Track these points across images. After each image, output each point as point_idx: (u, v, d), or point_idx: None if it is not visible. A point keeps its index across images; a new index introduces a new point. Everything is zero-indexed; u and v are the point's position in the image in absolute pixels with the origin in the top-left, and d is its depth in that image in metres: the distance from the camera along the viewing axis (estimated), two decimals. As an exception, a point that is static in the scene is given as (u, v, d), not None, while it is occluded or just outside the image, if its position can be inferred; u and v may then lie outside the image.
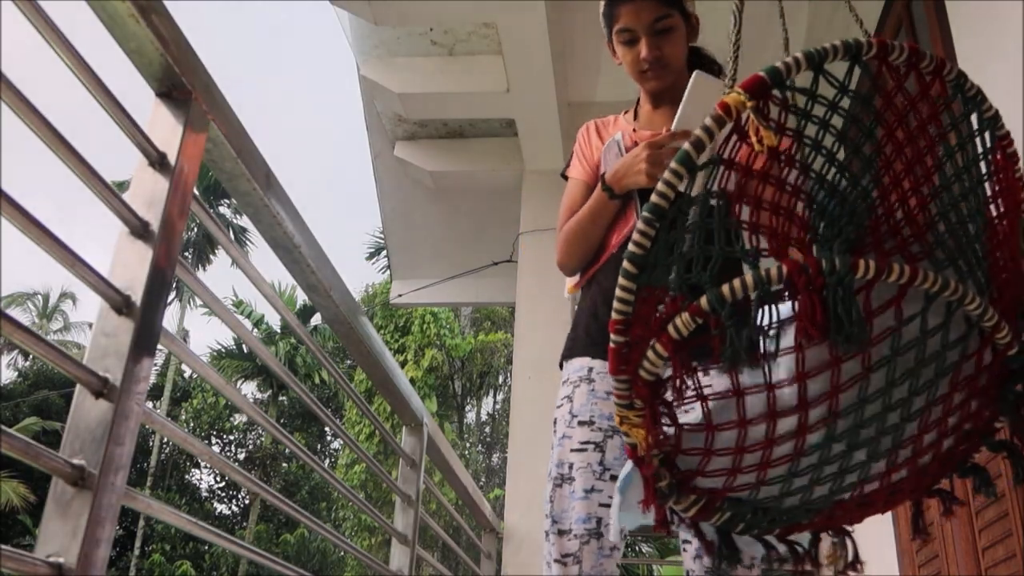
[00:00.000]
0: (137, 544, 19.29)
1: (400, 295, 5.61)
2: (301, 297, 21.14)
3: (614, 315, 0.79)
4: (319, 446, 23.64)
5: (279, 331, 22.45)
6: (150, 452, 21.04)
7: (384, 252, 17.23)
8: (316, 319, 21.65)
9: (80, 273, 0.85)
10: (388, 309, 18.91)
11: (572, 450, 1.47)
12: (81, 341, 23.48)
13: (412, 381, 16.91)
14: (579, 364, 1.54)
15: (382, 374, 1.93)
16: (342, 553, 19.97)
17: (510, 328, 20.11)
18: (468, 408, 22.01)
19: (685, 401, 0.84)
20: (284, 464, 21.87)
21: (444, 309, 19.03)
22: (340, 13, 3.73)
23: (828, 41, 0.74)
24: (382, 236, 8.87)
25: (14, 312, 21.13)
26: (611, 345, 0.81)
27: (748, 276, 0.74)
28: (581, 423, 1.48)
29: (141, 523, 19.38)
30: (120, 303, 0.89)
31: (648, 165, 1.40)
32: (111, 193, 0.90)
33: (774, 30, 1.74)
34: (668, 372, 0.82)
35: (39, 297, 24.36)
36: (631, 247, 0.76)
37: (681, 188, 0.75)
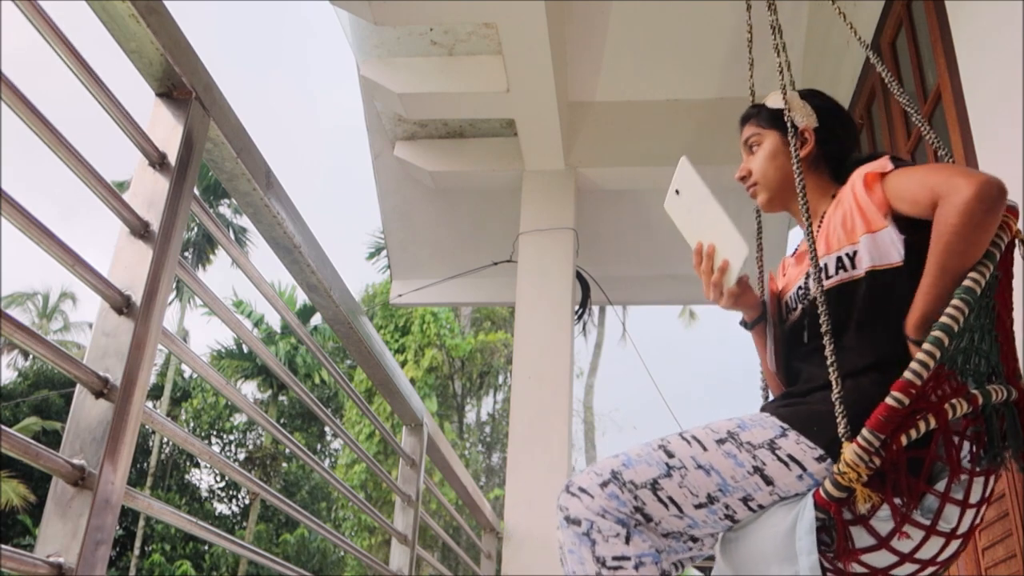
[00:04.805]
0: (137, 544, 19.28)
1: (400, 295, 5.61)
2: (301, 297, 21.14)
3: (912, 377, 0.99)
4: (319, 446, 23.62)
5: (279, 331, 22.44)
6: (150, 452, 21.03)
7: (384, 252, 17.21)
8: (316, 319, 21.64)
9: (80, 273, 0.85)
10: (388, 309, 18.91)
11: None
12: (81, 341, 23.48)
13: (412, 381, 16.90)
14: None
15: (382, 374, 1.92)
16: (342, 553, 19.96)
17: (510, 328, 20.11)
18: (468, 408, 22.00)
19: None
20: (284, 464, 21.86)
21: (444, 309, 19.02)
22: (340, 13, 3.73)
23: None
24: (382, 236, 8.87)
25: (14, 312, 21.11)
26: (892, 403, 0.98)
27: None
28: None
29: (141, 523, 19.37)
30: (120, 303, 0.89)
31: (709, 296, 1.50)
32: (111, 193, 0.90)
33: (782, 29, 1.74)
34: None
35: (39, 297, 24.34)
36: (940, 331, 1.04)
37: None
